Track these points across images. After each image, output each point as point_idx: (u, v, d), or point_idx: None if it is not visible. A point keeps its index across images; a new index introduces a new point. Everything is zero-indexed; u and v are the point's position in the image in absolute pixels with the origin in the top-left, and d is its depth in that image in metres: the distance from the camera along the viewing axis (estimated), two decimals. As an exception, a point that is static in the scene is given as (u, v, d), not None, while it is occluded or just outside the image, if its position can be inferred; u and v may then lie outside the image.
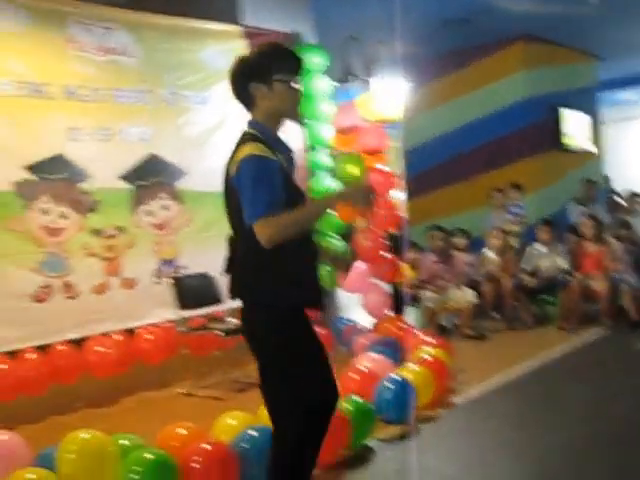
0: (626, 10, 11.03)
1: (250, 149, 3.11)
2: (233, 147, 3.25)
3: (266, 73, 3.23)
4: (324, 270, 8.66)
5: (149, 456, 4.31)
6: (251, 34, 8.43)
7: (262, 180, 3.04)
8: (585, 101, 14.18)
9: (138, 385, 7.12)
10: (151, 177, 7.58)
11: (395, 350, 6.88)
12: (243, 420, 4.96)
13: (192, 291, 7.38)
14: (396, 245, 8.36)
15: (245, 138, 3.22)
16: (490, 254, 9.91)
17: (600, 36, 12.57)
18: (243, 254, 3.21)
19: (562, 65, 13.30)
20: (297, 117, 3.37)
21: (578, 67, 14.03)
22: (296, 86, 3.29)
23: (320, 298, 3.35)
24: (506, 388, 6.75)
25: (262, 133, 3.23)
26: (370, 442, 5.31)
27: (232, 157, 3.20)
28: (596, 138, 14.70)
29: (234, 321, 7.03)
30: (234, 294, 3.30)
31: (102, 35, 7.35)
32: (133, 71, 7.58)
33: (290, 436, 3.20)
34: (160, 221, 7.62)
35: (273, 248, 3.03)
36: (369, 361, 6.32)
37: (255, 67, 3.26)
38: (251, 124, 3.30)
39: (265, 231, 2.99)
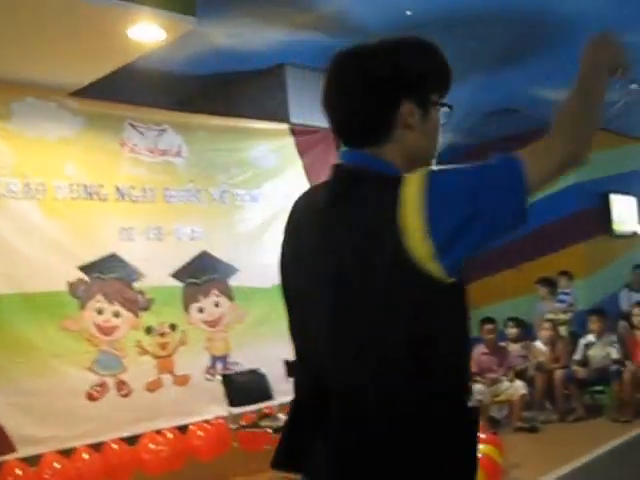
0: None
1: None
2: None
3: (422, 88, 1.87)
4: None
5: None
6: (298, 131, 8.65)
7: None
8: (635, 183, 14.15)
9: (191, 482, 7.14)
10: (203, 274, 7.73)
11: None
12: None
13: (242, 387, 7.44)
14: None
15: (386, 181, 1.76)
16: (540, 345, 9.86)
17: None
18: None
19: (612, 149, 13.28)
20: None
21: (628, 150, 14.02)
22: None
23: None
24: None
25: None
26: None
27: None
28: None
29: (284, 417, 7.02)
30: None
31: (153, 137, 7.60)
32: (184, 171, 7.80)
33: None
34: (212, 318, 7.74)
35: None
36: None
37: (412, 75, 1.86)
38: (373, 162, 1.86)
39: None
